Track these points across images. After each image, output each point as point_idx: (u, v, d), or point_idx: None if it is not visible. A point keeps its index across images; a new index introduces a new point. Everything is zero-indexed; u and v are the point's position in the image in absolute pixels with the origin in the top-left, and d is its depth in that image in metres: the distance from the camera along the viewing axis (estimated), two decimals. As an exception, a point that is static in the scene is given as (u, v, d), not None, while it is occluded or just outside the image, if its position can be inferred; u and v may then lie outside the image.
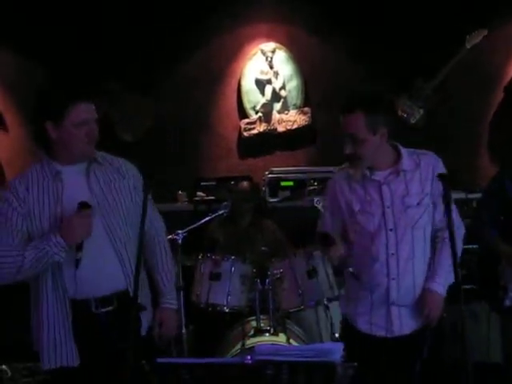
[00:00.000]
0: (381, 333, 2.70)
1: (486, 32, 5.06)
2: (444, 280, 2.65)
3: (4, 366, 4.18)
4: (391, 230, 2.64)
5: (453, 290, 2.61)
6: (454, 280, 2.42)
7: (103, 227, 2.44)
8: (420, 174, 2.67)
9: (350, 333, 2.78)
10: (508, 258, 3.12)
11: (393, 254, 2.64)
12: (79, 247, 2.37)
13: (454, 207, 2.67)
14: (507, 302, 3.16)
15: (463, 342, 1.99)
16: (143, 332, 2.59)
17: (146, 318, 2.60)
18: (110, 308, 2.44)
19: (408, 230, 2.64)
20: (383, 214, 2.64)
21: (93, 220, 2.38)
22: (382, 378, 2.66)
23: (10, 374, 4.26)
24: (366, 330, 2.71)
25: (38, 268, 2.37)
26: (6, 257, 2.35)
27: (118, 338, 2.38)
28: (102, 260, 2.43)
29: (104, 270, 2.42)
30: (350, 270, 2.61)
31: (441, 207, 2.62)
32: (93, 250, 2.39)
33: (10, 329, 4.42)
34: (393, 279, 2.64)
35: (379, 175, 2.67)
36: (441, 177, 2.32)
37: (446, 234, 2.61)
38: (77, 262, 2.36)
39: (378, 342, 2.69)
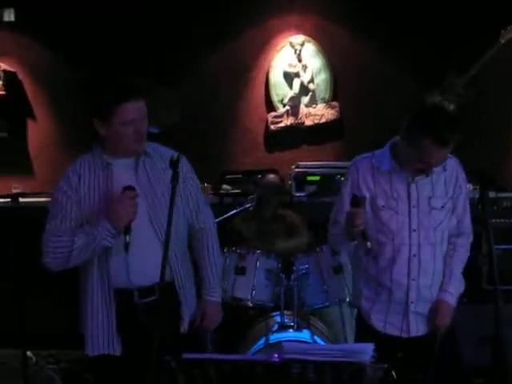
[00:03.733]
0: (395, 332, 2.67)
1: (521, 27, 4.95)
2: (455, 290, 2.68)
3: (29, 353, 4.21)
4: (414, 230, 2.60)
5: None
6: (463, 288, 2.65)
7: (149, 219, 2.46)
8: (445, 177, 2.64)
9: (363, 328, 2.74)
10: None
11: (415, 255, 2.60)
12: (127, 231, 2.39)
13: (468, 211, 2.70)
14: None
15: (499, 343, 1.95)
16: (184, 328, 2.58)
17: (188, 314, 2.60)
18: (152, 298, 2.45)
19: (430, 231, 2.61)
20: (409, 213, 2.60)
21: (138, 203, 2.40)
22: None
23: (34, 360, 4.31)
24: (379, 328, 2.68)
25: (87, 253, 2.42)
26: (59, 242, 2.43)
27: (157, 329, 2.35)
28: (147, 251, 2.44)
29: (149, 261, 2.43)
30: (368, 244, 2.48)
31: (459, 212, 2.67)
32: (139, 241, 2.40)
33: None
34: (413, 280, 2.62)
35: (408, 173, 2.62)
36: (477, 174, 2.28)
37: (459, 241, 2.69)
38: (126, 246, 2.38)
39: (391, 341, 2.66)
